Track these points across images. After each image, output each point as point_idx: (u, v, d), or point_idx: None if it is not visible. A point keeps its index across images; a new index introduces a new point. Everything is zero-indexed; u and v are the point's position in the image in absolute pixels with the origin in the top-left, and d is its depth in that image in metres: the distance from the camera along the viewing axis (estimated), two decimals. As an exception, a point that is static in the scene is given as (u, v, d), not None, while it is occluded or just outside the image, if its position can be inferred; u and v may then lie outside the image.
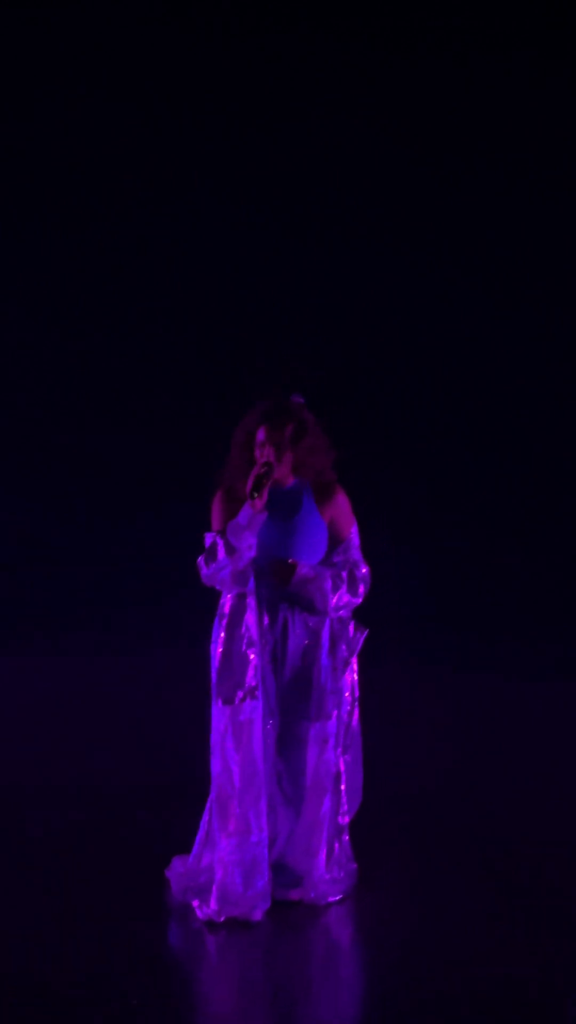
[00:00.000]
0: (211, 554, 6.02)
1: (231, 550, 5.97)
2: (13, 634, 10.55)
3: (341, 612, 6.14)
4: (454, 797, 7.63)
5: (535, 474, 11.01)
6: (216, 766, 6.00)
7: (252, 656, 6.00)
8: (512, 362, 11.00)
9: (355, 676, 6.24)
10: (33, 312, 11.09)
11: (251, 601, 6.02)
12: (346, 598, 6.12)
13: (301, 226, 10.97)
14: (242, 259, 10.97)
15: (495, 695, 9.73)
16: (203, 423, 8.65)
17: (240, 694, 5.98)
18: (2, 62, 10.86)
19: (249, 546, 5.98)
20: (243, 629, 6.02)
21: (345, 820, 6.21)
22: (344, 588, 6.10)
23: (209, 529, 6.15)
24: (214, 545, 6.02)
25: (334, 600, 6.08)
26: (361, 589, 6.15)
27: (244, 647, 6.01)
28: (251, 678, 5.99)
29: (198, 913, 5.98)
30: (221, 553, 5.98)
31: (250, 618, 6.02)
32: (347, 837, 6.23)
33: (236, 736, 5.97)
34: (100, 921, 5.94)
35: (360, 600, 6.17)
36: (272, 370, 10.47)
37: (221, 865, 5.95)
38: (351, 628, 6.21)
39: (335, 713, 6.15)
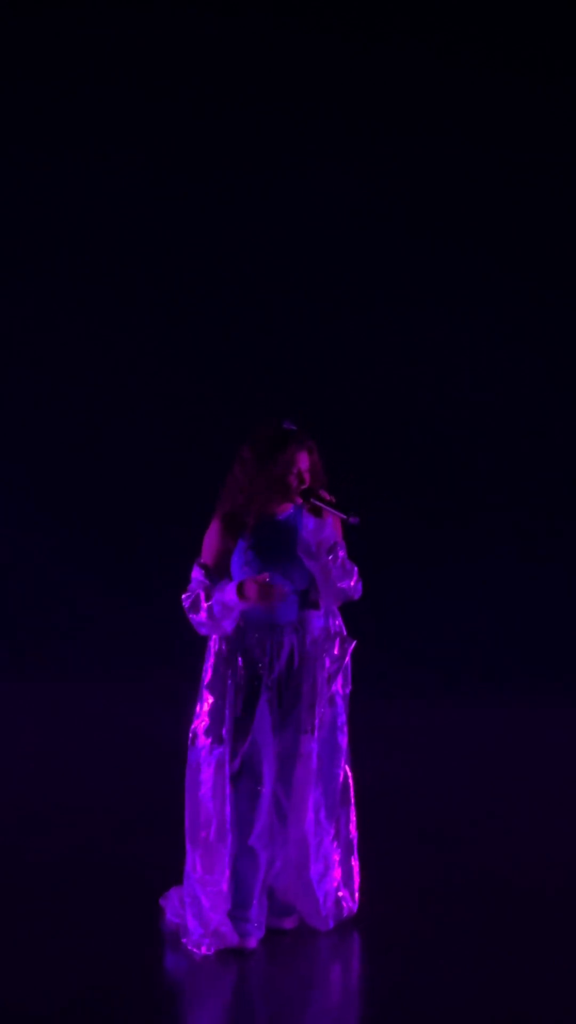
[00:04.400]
0: (194, 607, 5.99)
1: (214, 622, 5.96)
2: (12, 658, 10.54)
3: (339, 582, 6.03)
4: (453, 822, 7.60)
5: (529, 507, 10.99)
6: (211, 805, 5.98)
7: (237, 699, 5.99)
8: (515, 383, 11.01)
9: (347, 690, 6.20)
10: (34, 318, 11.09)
11: (231, 643, 6.04)
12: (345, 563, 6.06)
13: (299, 230, 10.96)
14: (245, 290, 10.96)
15: (489, 720, 9.71)
16: (206, 445, 8.59)
17: (225, 734, 5.98)
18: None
19: (229, 626, 5.97)
20: (231, 671, 6.02)
21: (354, 834, 6.19)
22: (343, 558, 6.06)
23: (199, 553, 6.11)
24: (197, 600, 5.98)
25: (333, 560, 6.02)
26: (356, 575, 6.07)
27: (233, 692, 6.00)
28: (235, 720, 5.99)
29: (191, 948, 5.97)
30: (203, 616, 5.97)
31: (239, 661, 6.02)
32: (356, 862, 6.20)
33: (218, 774, 5.95)
34: (95, 947, 5.92)
35: (354, 584, 6.06)
36: (272, 393, 10.46)
37: (206, 899, 5.94)
38: (337, 641, 6.16)
39: (328, 727, 6.12)
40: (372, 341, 10.98)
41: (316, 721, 6.06)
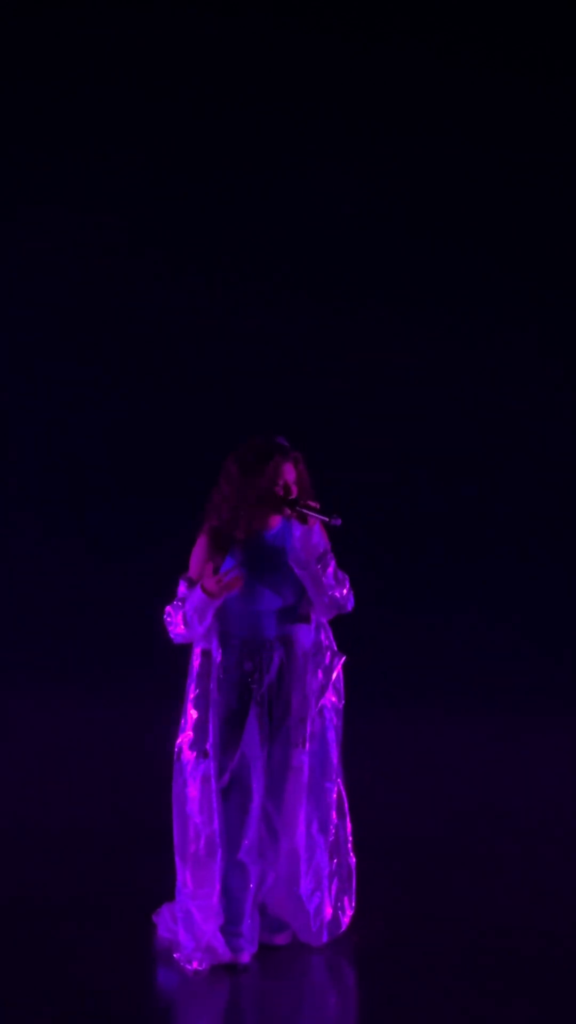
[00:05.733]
0: (171, 623, 6.04)
1: (189, 628, 5.99)
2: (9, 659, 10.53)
3: (333, 588, 6.07)
4: (449, 837, 7.58)
5: (528, 507, 10.97)
6: (197, 819, 5.99)
7: (217, 715, 6.00)
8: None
9: (339, 705, 6.21)
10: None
11: (216, 658, 6.03)
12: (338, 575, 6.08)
13: (299, 230, 10.95)
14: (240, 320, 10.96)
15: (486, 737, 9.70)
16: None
17: (210, 748, 5.99)
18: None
19: (207, 631, 5.99)
20: (211, 686, 6.03)
21: (352, 853, 6.20)
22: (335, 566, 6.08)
23: (188, 568, 6.12)
24: (174, 619, 6.02)
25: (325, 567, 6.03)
26: (347, 585, 6.10)
27: (213, 706, 6.01)
28: (216, 737, 5.99)
29: (183, 964, 5.98)
30: (178, 628, 6.02)
31: (217, 675, 6.04)
32: (353, 879, 6.21)
33: (204, 788, 5.96)
34: (87, 962, 5.95)
35: (346, 593, 6.09)
36: (271, 393, 10.44)
37: (197, 913, 5.95)
38: (328, 655, 6.18)
39: (318, 740, 6.13)
40: (372, 341, 10.97)
41: (307, 734, 6.08)
